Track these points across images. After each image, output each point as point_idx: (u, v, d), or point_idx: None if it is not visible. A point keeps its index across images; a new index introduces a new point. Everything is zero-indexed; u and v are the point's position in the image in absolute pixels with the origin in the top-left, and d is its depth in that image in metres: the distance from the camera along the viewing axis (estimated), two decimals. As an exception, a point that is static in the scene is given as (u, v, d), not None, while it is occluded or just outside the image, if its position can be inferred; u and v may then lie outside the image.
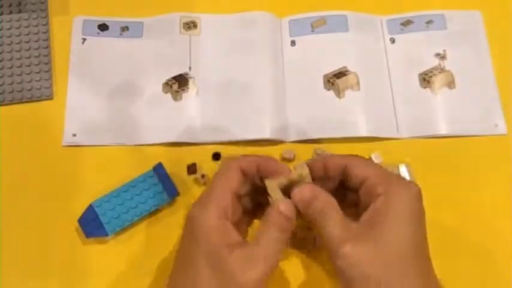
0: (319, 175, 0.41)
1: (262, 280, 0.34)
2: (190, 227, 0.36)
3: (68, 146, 0.53)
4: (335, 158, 0.41)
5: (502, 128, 0.54)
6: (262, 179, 0.39)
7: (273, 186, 0.38)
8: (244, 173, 0.39)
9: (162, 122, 0.54)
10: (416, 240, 0.36)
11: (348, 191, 0.41)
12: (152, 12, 0.58)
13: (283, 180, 0.38)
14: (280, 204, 0.36)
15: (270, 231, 0.36)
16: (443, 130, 0.54)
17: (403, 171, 0.52)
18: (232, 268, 0.34)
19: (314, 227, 0.39)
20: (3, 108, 0.54)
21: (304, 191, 0.38)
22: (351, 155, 0.41)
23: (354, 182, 0.39)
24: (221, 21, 0.58)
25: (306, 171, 0.39)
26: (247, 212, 0.41)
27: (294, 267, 0.49)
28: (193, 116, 0.54)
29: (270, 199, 0.38)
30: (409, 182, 0.38)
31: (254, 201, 0.41)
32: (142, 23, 0.58)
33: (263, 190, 0.39)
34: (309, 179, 0.39)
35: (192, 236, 0.36)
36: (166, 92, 0.55)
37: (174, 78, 0.55)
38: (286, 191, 0.38)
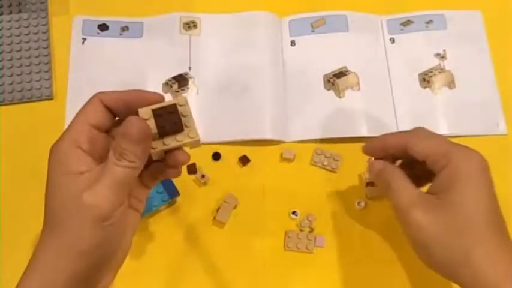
0: (384, 154, 0.42)
1: (103, 199, 0.32)
2: (48, 162, 0.35)
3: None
4: (393, 138, 0.42)
5: (502, 128, 0.54)
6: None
7: (145, 114, 0.34)
8: (110, 108, 0.36)
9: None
10: (488, 204, 0.37)
11: (415, 162, 0.41)
12: (152, 12, 0.58)
13: (157, 105, 0.35)
14: (129, 122, 0.32)
15: (110, 154, 0.33)
16: (443, 130, 0.54)
17: None
18: (74, 190, 0.32)
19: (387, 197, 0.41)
20: (3, 108, 0.54)
21: (375, 164, 0.42)
22: (409, 131, 0.42)
23: (418, 158, 0.40)
24: (221, 21, 0.58)
25: (183, 100, 0.35)
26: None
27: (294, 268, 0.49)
28: (193, 116, 0.53)
29: None
30: (472, 150, 0.39)
31: None
32: (142, 23, 0.58)
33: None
34: (186, 109, 0.35)
35: (48, 168, 0.35)
36: (166, 92, 0.55)
37: (174, 78, 0.55)
38: (168, 128, 0.34)
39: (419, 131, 0.41)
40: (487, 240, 0.36)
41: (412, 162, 0.42)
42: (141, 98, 0.35)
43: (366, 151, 0.44)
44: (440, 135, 0.42)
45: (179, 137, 0.34)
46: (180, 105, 0.35)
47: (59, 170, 0.33)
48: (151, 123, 0.34)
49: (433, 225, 0.37)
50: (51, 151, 0.35)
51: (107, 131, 0.36)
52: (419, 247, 0.38)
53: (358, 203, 0.51)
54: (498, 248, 0.36)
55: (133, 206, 0.36)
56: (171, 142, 0.34)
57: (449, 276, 0.37)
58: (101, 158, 0.35)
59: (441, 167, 0.38)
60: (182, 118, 0.34)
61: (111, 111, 0.36)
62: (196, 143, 0.35)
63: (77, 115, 0.36)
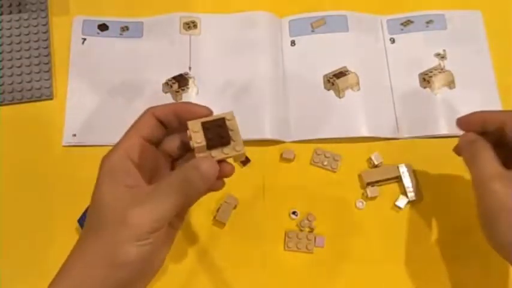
0: (477, 129, 0.43)
1: (148, 224, 0.32)
2: (98, 171, 0.36)
3: (68, 146, 0.53)
4: (493, 116, 0.43)
5: (502, 128, 0.54)
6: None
7: (195, 126, 0.35)
8: (162, 121, 0.37)
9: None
10: None
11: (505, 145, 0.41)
12: (152, 12, 0.58)
13: (206, 119, 0.36)
14: (202, 162, 0.34)
15: (174, 178, 0.34)
16: (443, 130, 0.54)
17: (403, 171, 0.52)
18: (120, 204, 0.33)
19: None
20: (3, 108, 0.54)
21: (468, 135, 0.43)
22: (510, 111, 0.42)
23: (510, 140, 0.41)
24: (221, 21, 0.58)
25: (230, 115, 0.37)
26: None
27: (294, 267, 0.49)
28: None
29: (191, 143, 0.35)
30: None
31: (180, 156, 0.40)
32: (142, 23, 0.58)
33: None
34: (233, 124, 0.36)
35: (97, 179, 0.35)
36: (166, 92, 0.55)
37: (174, 78, 0.55)
38: (215, 141, 0.36)
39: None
40: None
41: (500, 144, 0.42)
42: (190, 110, 0.37)
43: (459, 123, 0.45)
44: None
45: (226, 149, 0.36)
46: (228, 120, 0.36)
47: (108, 181, 0.34)
48: (200, 135, 0.35)
49: (509, 198, 0.38)
50: (103, 161, 0.36)
51: (157, 144, 0.38)
52: (488, 219, 0.39)
53: (358, 203, 0.51)
54: None
55: (173, 224, 0.37)
56: (217, 154, 0.36)
57: (509, 256, 0.38)
58: (150, 172, 0.36)
59: None
60: (229, 132, 0.36)
61: (162, 124, 0.37)
62: (241, 156, 0.37)
63: (130, 128, 0.37)
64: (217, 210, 0.50)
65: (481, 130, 0.43)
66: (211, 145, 0.35)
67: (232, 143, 0.36)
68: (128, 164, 0.35)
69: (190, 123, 0.36)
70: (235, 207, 0.51)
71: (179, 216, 0.37)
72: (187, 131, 0.36)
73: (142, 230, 0.32)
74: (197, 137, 0.35)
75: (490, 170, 0.40)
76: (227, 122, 0.36)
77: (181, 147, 0.39)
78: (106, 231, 0.32)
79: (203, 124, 0.36)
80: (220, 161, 0.36)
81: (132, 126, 0.37)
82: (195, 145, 0.35)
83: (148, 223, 0.32)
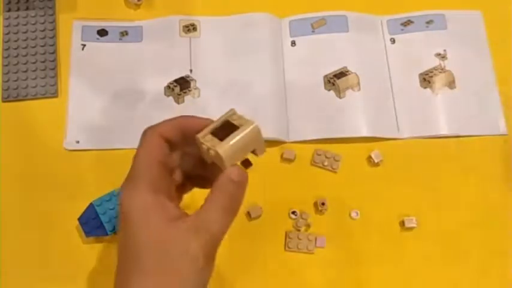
0: None
1: (208, 248, 0.32)
2: (124, 210, 0.33)
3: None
4: None
5: (502, 128, 0.54)
6: (190, 140, 0.35)
7: (205, 135, 0.34)
8: (168, 140, 0.35)
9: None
10: None
11: None
12: (151, 16, 0.58)
13: (212, 126, 0.35)
14: (232, 171, 0.33)
15: (216, 198, 0.33)
16: (443, 130, 0.54)
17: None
18: (177, 240, 0.32)
19: None
20: (9, 104, 0.54)
21: None
22: None
23: None
24: (221, 23, 0.58)
25: (231, 111, 0.36)
26: (179, 187, 0.39)
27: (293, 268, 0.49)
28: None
29: (205, 155, 0.34)
30: None
31: (185, 175, 0.39)
32: (141, 27, 0.58)
33: (196, 160, 0.36)
34: (237, 117, 0.36)
35: (127, 220, 0.33)
36: (168, 95, 0.55)
37: (176, 81, 0.55)
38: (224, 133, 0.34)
39: None
40: None
41: None
42: (194, 123, 0.36)
43: None
44: None
45: (237, 132, 0.34)
46: (232, 118, 0.35)
47: (148, 222, 0.32)
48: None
49: None
50: (127, 201, 0.33)
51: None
52: None
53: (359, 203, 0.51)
54: None
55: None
56: (231, 139, 0.34)
57: None
58: (170, 194, 0.35)
59: None
60: (236, 123, 0.35)
61: (168, 142, 0.36)
62: (258, 133, 0.35)
63: (144, 155, 0.34)
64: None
65: None
66: (221, 137, 0.34)
67: (241, 127, 0.34)
68: (162, 198, 0.33)
69: (200, 137, 0.34)
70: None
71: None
72: (201, 145, 0.34)
73: (205, 257, 0.32)
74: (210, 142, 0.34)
75: None
76: (233, 121, 0.35)
77: (187, 161, 0.38)
78: (172, 266, 0.32)
79: (213, 132, 0.35)
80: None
81: (144, 152, 0.35)
82: (214, 148, 0.34)
83: (211, 249, 0.33)
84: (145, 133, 0.35)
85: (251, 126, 0.34)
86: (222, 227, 0.33)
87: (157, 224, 0.32)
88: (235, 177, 0.33)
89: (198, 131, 0.35)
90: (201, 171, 0.38)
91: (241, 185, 0.34)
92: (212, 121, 0.36)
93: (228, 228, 0.34)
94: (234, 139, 0.34)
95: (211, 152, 0.33)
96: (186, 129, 0.36)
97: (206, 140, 0.34)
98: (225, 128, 0.34)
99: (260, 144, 0.35)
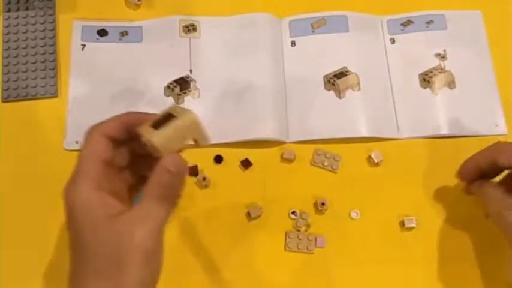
0: (477, 175, 0.47)
1: (151, 238, 0.32)
2: (67, 209, 0.34)
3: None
4: (483, 157, 0.46)
5: (502, 128, 0.54)
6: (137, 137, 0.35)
7: (145, 129, 0.34)
8: (112, 139, 0.35)
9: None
10: None
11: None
12: (151, 16, 0.58)
13: (154, 118, 0.35)
14: (166, 160, 0.33)
15: (152, 188, 0.33)
16: (443, 130, 0.54)
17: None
18: (118, 233, 0.32)
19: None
20: (8, 104, 0.54)
21: (472, 188, 0.48)
22: (492, 147, 0.45)
23: (507, 168, 0.45)
24: (221, 23, 0.58)
25: (174, 105, 0.36)
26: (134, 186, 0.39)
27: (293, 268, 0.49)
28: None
29: (148, 148, 0.34)
30: None
31: (138, 174, 0.39)
32: (141, 27, 0.58)
33: (148, 159, 0.35)
34: (180, 108, 0.35)
35: (71, 218, 0.33)
36: (168, 96, 0.55)
37: (176, 81, 0.55)
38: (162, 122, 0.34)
39: (501, 145, 0.45)
40: None
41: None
42: (135, 118, 0.36)
43: (461, 177, 0.48)
44: None
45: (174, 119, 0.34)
46: (174, 109, 0.35)
47: (90, 218, 0.33)
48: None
49: None
50: (70, 198, 0.34)
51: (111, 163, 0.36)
52: None
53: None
54: None
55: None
56: (167, 128, 0.34)
57: None
58: (115, 191, 0.35)
59: None
60: (176, 114, 0.35)
61: (113, 140, 0.35)
62: (194, 121, 0.35)
63: (86, 153, 0.35)
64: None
65: (481, 174, 0.46)
66: (157, 125, 0.34)
67: (178, 116, 0.34)
68: (102, 194, 0.33)
69: (142, 129, 0.34)
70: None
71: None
72: (141, 138, 0.34)
73: (153, 246, 0.33)
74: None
75: (499, 204, 0.44)
76: (174, 112, 0.35)
77: (131, 157, 0.38)
78: (122, 264, 0.32)
79: (154, 125, 0.34)
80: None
81: (86, 151, 0.35)
82: (148, 137, 0.34)
83: (151, 241, 0.32)
84: (88, 132, 0.35)
85: (187, 114, 0.34)
86: (162, 216, 0.33)
87: (100, 222, 0.32)
88: (170, 166, 0.33)
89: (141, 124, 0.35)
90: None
91: (176, 174, 0.34)
92: (154, 115, 0.35)
93: (168, 215, 0.34)
94: (168, 127, 0.34)
95: (148, 142, 0.33)
96: (131, 125, 0.35)
97: (145, 132, 0.34)
98: (165, 120, 0.34)
99: (200, 133, 0.36)
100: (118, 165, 0.37)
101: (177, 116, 0.34)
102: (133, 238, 0.32)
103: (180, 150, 0.36)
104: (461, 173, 0.48)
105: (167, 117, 0.35)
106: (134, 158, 0.38)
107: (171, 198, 0.34)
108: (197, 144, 0.36)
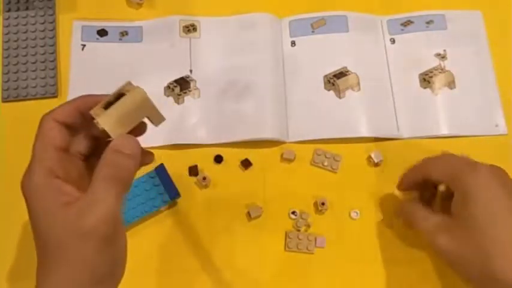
0: (415, 187, 0.48)
1: (103, 224, 0.31)
2: (25, 199, 0.33)
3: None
4: (414, 173, 0.47)
5: (502, 128, 0.54)
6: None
7: (96, 111, 0.33)
8: (66, 125, 0.34)
9: (165, 124, 0.53)
10: (502, 216, 0.39)
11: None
12: (151, 16, 0.58)
13: (106, 99, 0.33)
14: (115, 142, 0.32)
15: (100, 170, 0.32)
16: (443, 130, 0.54)
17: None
18: (69, 220, 0.31)
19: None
20: (8, 104, 0.54)
21: (397, 211, 0.50)
22: (426, 161, 0.46)
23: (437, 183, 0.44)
24: (221, 23, 0.58)
25: (127, 83, 0.34)
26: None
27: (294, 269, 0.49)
28: (195, 118, 0.54)
29: (99, 127, 0.33)
30: (482, 165, 0.42)
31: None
32: (141, 27, 0.58)
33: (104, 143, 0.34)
34: (131, 86, 0.34)
35: (28, 207, 0.32)
36: (168, 96, 0.55)
37: (176, 81, 0.55)
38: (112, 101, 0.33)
39: (431, 160, 0.45)
40: (507, 252, 0.38)
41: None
42: (92, 101, 0.34)
43: (400, 189, 0.49)
44: (454, 156, 0.45)
45: (122, 98, 0.33)
46: (125, 87, 0.34)
47: (42, 207, 0.32)
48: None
49: (453, 246, 0.41)
50: (25, 187, 0.33)
51: (67, 149, 0.35)
52: (449, 266, 0.43)
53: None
54: None
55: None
56: (116, 106, 0.33)
57: None
58: (75, 180, 0.34)
59: (455, 188, 0.41)
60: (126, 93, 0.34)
61: (67, 126, 0.34)
62: (143, 98, 0.33)
63: (38, 141, 0.33)
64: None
65: (419, 187, 0.48)
66: (108, 105, 0.33)
67: (127, 94, 0.33)
68: (56, 182, 0.32)
69: (93, 112, 0.33)
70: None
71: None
72: (94, 121, 0.33)
73: (100, 236, 0.31)
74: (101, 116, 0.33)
75: (426, 226, 0.44)
76: (125, 92, 0.34)
77: (91, 142, 0.36)
78: (71, 251, 0.31)
79: (105, 106, 0.33)
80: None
81: (39, 139, 0.33)
82: (96, 119, 0.32)
83: (102, 225, 0.31)
84: (40, 120, 0.34)
85: (134, 91, 0.33)
86: (111, 200, 0.31)
87: (52, 209, 0.31)
88: (119, 147, 0.32)
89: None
90: None
91: (127, 156, 0.32)
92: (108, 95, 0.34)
93: (120, 198, 0.32)
94: (116, 106, 0.33)
95: (97, 124, 0.32)
96: (87, 109, 0.34)
97: (96, 114, 0.33)
98: (116, 99, 0.33)
99: (152, 110, 0.34)
100: (77, 152, 0.35)
101: (127, 94, 0.33)
102: (83, 224, 0.30)
103: (140, 131, 0.35)
104: (400, 189, 0.49)
105: (118, 97, 0.33)
106: (97, 143, 0.36)
107: (122, 181, 0.32)
108: (152, 123, 0.35)
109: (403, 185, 0.49)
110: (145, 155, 0.37)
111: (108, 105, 0.33)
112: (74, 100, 0.35)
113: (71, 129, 0.35)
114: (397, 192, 0.52)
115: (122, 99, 0.33)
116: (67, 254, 0.31)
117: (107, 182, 0.32)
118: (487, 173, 0.41)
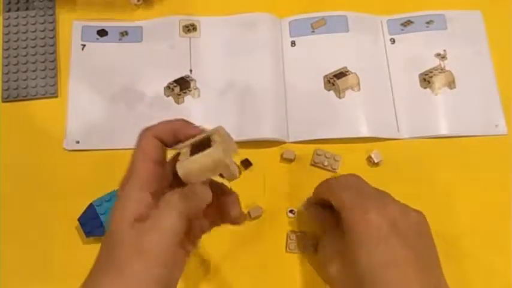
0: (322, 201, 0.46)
1: (163, 248, 0.33)
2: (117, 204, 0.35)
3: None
4: (319, 193, 0.47)
5: (502, 128, 0.54)
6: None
7: (184, 147, 0.36)
8: (163, 141, 0.37)
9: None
10: (381, 261, 0.38)
11: None
12: (151, 16, 0.58)
13: (194, 139, 0.36)
14: (197, 186, 0.34)
15: (175, 203, 0.34)
16: (443, 130, 0.54)
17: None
18: (132, 235, 0.32)
19: None
20: (8, 104, 0.54)
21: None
22: (325, 183, 0.46)
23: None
24: (221, 23, 0.58)
25: (220, 127, 0.37)
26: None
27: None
28: (195, 118, 0.53)
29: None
30: (374, 207, 0.40)
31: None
32: (141, 27, 0.58)
33: None
34: (216, 137, 0.35)
35: (118, 209, 0.34)
36: (168, 96, 0.55)
37: (176, 81, 0.55)
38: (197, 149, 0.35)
39: (330, 184, 0.45)
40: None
41: None
42: (187, 128, 0.37)
43: (315, 200, 0.48)
44: (360, 186, 0.44)
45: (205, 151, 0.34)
46: (214, 135, 0.36)
47: (128, 218, 0.33)
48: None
49: (340, 279, 0.41)
50: (120, 193, 0.35)
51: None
52: None
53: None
54: None
55: (184, 246, 0.37)
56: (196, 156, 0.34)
57: None
58: (158, 194, 0.35)
59: (345, 219, 0.40)
60: (212, 142, 0.35)
61: (163, 143, 0.37)
62: (219, 160, 0.34)
63: (137, 153, 0.35)
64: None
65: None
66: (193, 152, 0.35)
67: (209, 149, 0.34)
68: (145, 195, 0.34)
69: (179, 147, 0.36)
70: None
71: (189, 237, 0.38)
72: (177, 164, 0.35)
73: (163, 256, 0.32)
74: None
75: (321, 257, 0.45)
76: (212, 139, 0.35)
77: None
78: (134, 266, 0.32)
79: (191, 148, 0.35)
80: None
81: (137, 151, 0.36)
82: (176, 165, 0.34)
83: (159, 247, 0.32)
84: (140, 133, 0.37)
85: (213, 152, 0.34)
86: (176, 227, 0.33)
87: (127, 221, 0.33)
88: (192, 194, 0.34)
89: (188, 139, 0.36)
90: None
91: (199, 200, 0.34)
92: (204, 131, 0.37)
93: (183, 226, 0.33)
94: (196, 159, 0.34)
95: (177, 168, 0.34)
96: (178, 134, 0.37)
97: (182, 152, 0.35)
98: (202, 145, 0.35)
99: (226, 170, 0.35)
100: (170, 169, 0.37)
101: (212, 145, 0.34)
102: (142, 244, 0.32)
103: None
104: (314, 199, 0.49)
105: (204, 143, 0.35)
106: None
107: (189, 212, 0.34)
108: (225, 178, 0.36)
109: (316, 199, 0.48)
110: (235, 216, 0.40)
111: (192, 149, 0.35)
112: (172, 122, 0.37)
113: (164, 146, 0.37)
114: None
115: (203, 158, 0.34)
116: (124, 266, 0.32)
117: (180, 215, 0.33)
118: (377, 220, 0.39)
